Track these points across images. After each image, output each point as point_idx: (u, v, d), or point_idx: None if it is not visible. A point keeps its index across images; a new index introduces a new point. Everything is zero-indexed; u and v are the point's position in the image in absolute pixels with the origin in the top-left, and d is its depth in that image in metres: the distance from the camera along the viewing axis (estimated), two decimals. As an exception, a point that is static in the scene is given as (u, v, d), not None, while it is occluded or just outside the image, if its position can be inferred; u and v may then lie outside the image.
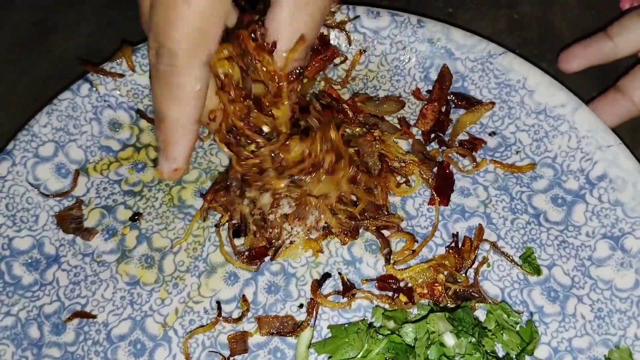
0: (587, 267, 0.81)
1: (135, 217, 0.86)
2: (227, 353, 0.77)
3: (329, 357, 0.74)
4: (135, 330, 0.79)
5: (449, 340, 0.71)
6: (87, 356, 0.78)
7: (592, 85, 0.98)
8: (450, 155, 0.89)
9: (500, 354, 0.76)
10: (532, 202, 0.86)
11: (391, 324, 0.75)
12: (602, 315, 0.79)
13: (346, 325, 0.77)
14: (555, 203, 0.86)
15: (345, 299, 0.80)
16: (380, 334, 0.73)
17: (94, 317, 0.80)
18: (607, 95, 0.91)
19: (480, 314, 0.78)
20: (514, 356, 0.75)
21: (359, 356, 0.72)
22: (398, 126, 0.91)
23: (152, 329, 0.79)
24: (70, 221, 0.85)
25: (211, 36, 0.63)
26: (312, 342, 0.77)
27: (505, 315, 0.77)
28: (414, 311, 0.78)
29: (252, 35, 0.66)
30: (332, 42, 0.96)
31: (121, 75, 0.92)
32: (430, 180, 0.86)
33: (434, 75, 0.94)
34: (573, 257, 0.82)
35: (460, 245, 0.83)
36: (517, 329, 0.77)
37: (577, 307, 0.79)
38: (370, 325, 0.76)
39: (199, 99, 0.66)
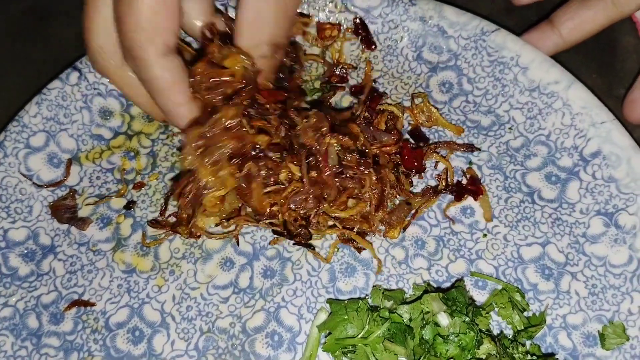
0: (581, 243, 0.82)
1: (130, 205, 0.86)
2: (224, 337, 0.78)
3: (328, 334, 0.75)
4: (133, 318, 0.80)
5: (443, 320, 0.72)
6: (86, 344, 0.79)
7: (589, 65, 0.97)
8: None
9: (495, 332, 0.77)
10: (526, 181, 0.86)
11: (389, 304, 0.76)
12: (596, 292, 0.79)
13: (346, 301, 0.77)
14: (549, 181, 0.85)
15: None
16: (382, 317, 0.74)
17: (93, 304, 0.80)
18: (539, 27, 0.91)
19: (487, 291, 0.79)
20: (513, 334, 0.75)
21: (359, 336, 0.73)
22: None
23: (150, 316, 0.80)
24: (64, 211, 0.85)
25: (163, 27, 0.72)
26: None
27: (519, 297, 0.78)
28: (409, 292, 0.79)
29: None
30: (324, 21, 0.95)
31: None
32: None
33: (426, 54, 0.93)
34: (567, 234, 0.82)
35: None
36: (529, 315, 0.78)
37: (571, 283, 0.80)
38: (374, 308, 0.76)
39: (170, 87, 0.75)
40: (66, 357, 0.78)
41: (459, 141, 0.88)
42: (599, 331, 0.77)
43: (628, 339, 0.75)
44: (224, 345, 0.78)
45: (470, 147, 0.87)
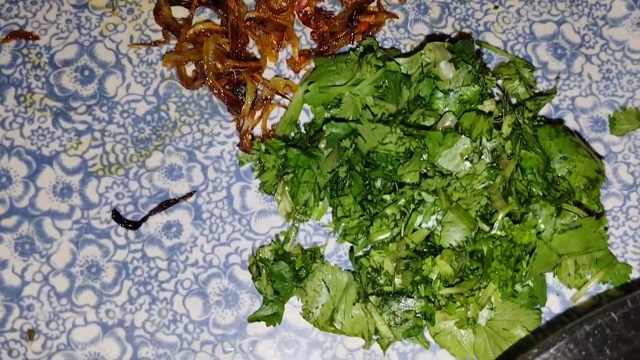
0: (599, 26, 0.73)
1: None
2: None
3: (309, 83, 0.65)
4: (82, 56, 0.68)
5: (446, 69, 0.62)
6: (26, 80, 0.67)
7: None
8: None
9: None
10: (547, -46, 0.75)
11: (384, 57, 0.65)
12: (611, 77, 0.71)
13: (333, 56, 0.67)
14: (571, -44, 0.75)
15: None
16: (375, 64, 0.63)
17: (36, 37, 0.68)
18: None
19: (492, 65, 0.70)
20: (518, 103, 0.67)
21: (348, 84, 0.63)
22: None
23: (102, 56, 0.69)
24: None
25: None
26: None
27: (527, 74, 0.69)
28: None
29: None
30: None
31: None
32: None
33: None
34: (586, 15, 0.74)
35: None
36: (535, 90, 0.70)
37: (584, 66, 0.72)
38: (367, 49, 0.65)
39: None
40: (2, 92, 0.66)
41: None
42: (609, 116, 0.70)
43: (641, 125, 0.68)
44: (189, 95, 0.68)
45: None
